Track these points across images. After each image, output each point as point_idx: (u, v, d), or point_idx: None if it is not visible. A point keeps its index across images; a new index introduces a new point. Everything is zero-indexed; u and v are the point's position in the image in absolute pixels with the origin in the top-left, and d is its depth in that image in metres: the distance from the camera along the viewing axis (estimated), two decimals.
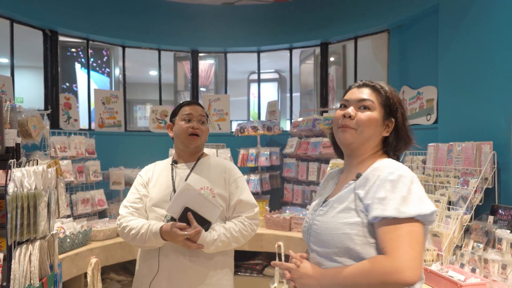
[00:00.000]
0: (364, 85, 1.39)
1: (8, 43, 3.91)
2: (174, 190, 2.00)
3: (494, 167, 2.58)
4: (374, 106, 1.33)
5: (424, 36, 3.67)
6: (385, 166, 1.26)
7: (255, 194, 4.51)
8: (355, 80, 4.58)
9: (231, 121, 5.22)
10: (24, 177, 1.65)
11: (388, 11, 3.99)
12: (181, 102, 2.18)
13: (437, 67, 3.30)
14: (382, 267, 1.13)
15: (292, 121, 4.67)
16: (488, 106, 2.71)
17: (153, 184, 2.08)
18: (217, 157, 2.32)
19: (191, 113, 2.06)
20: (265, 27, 4.97)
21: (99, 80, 7.28)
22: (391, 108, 1.35)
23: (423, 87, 3.60)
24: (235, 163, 4.63)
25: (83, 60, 6.93)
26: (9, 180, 1.63)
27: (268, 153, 4.47)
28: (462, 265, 2.32)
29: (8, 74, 3.85)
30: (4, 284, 1.63)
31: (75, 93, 6.65)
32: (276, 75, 9.09)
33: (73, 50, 6.88)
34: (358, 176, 1.30)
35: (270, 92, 9.08)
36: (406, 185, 1.19)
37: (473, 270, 2.22)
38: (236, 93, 8.48)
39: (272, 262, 1.46)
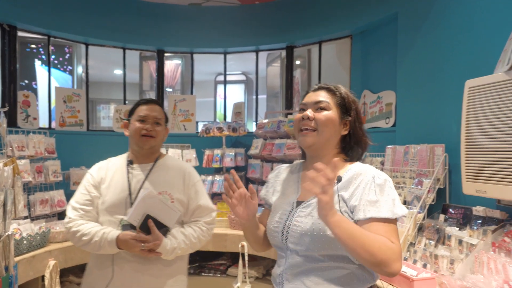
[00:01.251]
0: (320, 88, 1.47)
1: None
2: (130, 194, 1.91)
3: (446, 169, 2.73)
4: (330, 107, 1.41)
5: (384, 43, 3.83)
6: (367, 170, 1.35)
7: (219, 194, 4.54)
8: (320, 83, 4.70)
9: (197, 122, 5.22)
10: None
11: (351, 17, 4.13)
12: (138, 100, 2.10)
13: (396, 73, 3.45)
14: (392, 249, 1.22)
15: (258, 122, 4.73)
16: (441, 111, 2.87)
17: (107, 186, 1.95)
18: (175, 158, 2.23)
19: (147, 114, 1.97)
20: (232, 29, 5.01)
21: (60, 78, 7.06)
22: (347, 107, 1.43)
23: (383, 92, 3.74)
24: (200, 163, 4.63)
25: (43, 57, 6.71)
26: None
27: (233, 154, 4.50)
28: (415, 261, 2.44)
29: None
30: None
31: (35, 91, 6.43)
32: (243, 77, 9.14)
33: (33, 46, 6.65)
34: (338, 179, 1.34)
35: (236, 93, 9.11)
36: (392, 189, 1.32)
37: (425, 266, 2.35)
38: (202, 94, 8.46)
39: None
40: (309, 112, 1.40)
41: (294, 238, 1.36)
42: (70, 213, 1.91)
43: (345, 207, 1.32)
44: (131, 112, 2.05)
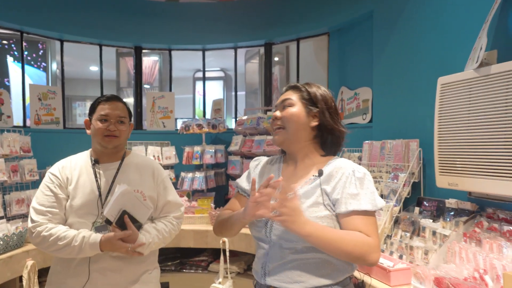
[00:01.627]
0: (288, 88, 1.57)
1: None
2: (100, 195, 1.88)
3: (420, 163, 2.82)
4: (294, 103, 1.49)
5: (360, 40, 3.91)
6: (347, 165, 1.43)
7: (200, 191, 4.55)
8: (298, 80, 4.76)
9: (176, 118, 5.20)
10: None
11: (328, 15, 4.19)
12: (98, 97, 2.00)
13: (372, 70, 3.53)
14: (367, 243, 1.30)
15: (237, 119, 4.75)
16: (416, 107, 2.96)
17: (74, 187, 1.88)
18: (140, 154, 2.18)
19: (108, 113, 1.90)
20: (210, 26, 5.00)
21: (34, 75, 6.90)
22: (313, 100, 1.49)
23: (360, 88, 3.83)
24: (180, 160, 4.63)
25: (15, 53, 6.54)
26: None
27: (213, 150, 4.52)
28: (391, 253, 2.52)
29: None
30: None
31: (7, 88, 6.27)
32: (221, 74, 9.15)
33: (5, 42, 6.48)
34: (320, 172, 1.42)
35: (215, 90, 9.12)
36: (371, 182, 1.40)
37: (401, 257, 2.44)
38: (181, 91, 8.41)
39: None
40: (277, 113, 1.51)
41: (279, 231, 1.40)
42: (35, 216, 1.80)
43: (328, 200, 1.38)
44: (92, 110, 1.97)
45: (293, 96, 1.51)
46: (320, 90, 1.53)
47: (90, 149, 2.03)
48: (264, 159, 1.68)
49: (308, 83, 1.56)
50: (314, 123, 1.48)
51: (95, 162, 1.95)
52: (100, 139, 1.91)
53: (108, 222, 1.79)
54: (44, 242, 1.76)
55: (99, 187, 1.89)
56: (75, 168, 1.93)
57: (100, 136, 1.90)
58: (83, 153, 2.04)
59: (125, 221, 1.77)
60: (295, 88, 1.55)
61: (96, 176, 1.92)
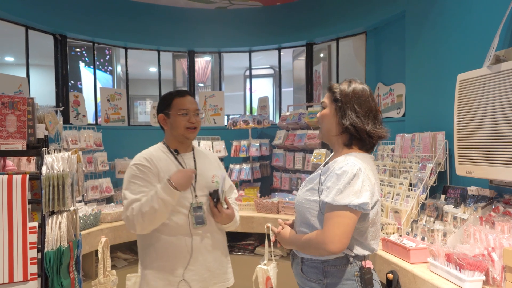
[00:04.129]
0: (327, 89, 1.78)
1: (23, 46, 4.34)
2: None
3: (446, 153, 3.00)
4: (326, 104, 1.73)
5: (395, 38, 4.09)
6: (340, 161, 1.57)
7: (247, 181, 4.96)
8: (337, 77, 5.00)
9: (226, 115, 5.64)
10: (54, 162, 2.09)
11: (365, 15, 4.40)
12: (168, 93, 2.14)
13: (405, 66, 3.72)
14: (317, 238, 1.55)
15: (281, 115, 5.09)
16: (443, 101, 3.13)
17: (165, 175, 1.98)
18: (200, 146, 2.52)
19: (188, 107, 2.06)
20: (256, 29, 5.39)
21: (102, 78, 7.67)
22: (343, 101, 1.66)
23: (394, 84, 4.02)
24: (229, 153, 5.07)
25: (86, 59, 7.33)
26: (43, 164, 2.07)
27: (258, 144, 4.89)
28: (415, 235, 2.75)
29: (17, 73, 4.28)
30: (39, 246, 2.07)
31: (80, 91, 7.05)
32: (271, 71, 9.44)
33: (77, 50, 7.27)
34: (325, 164, 1.69)
35: (265, 86, 9.43)
36: (345, 180, 1.50)
37: (423, 239, 2.66)
38: (232, 88, 8.84)
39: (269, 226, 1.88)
40: (317, 114, 1.79)
41: (295, 207, 1.76)
42: (131, 206, 1.91)
43: (321, 188, 1.61)
44: (166, 105, 2.09)
45: (327, 98, 1.73)
46: (351, 86, 1.67)
47: (161, 143, 2.14)
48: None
49: (347, 80, 1.73)
50: (346, 122, 1.64)
51: (176, 152, 2.10)
52: (183, 132, 2.06)
53: (213, 195, 2.05)
54: (138, 220, 1.86)
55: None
56: (160, 159, 2.03)
57: (183, 128, 2.05)
58: (156, 147, 2.12)
59: (225, 200, 2.10)
60: (329, 90, 1.75)
61: (181, 165, 2.07)
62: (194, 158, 2.15)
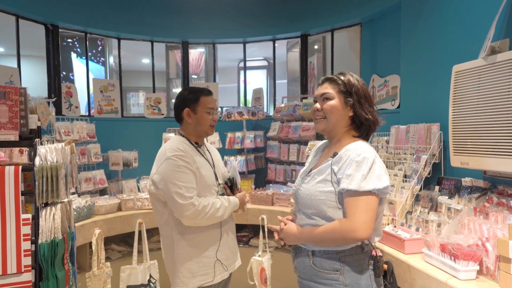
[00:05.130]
0: (325, 80, 1.77)
1: (14, 37, 4.26)
2: (214, 171, 2.31)
3: (441, 145, 3.01)
4: (333, 95, 1.71)
5: (390, 30, 4.08)
6: (355, 148, 1.58)
7: (241, 173, 4.95)
8: (332, 69, 4.99)
9: (220, 107, 5.61)
10: (47, 153, 2.06)
11: (360, 6, 4.39)
12: (196, 89, 2.28)
13: (400, 58, 3.71)
14: (343, 227, 1.53)
15: (275, 106, 5.08)
16: (437, 92, 3.14)
17: (198, 166, 2.17)
18: None
19: (214, 107, 2.27)
20: (250, 20, 5.35)
21: (94, 69, 7.60)
22: (349, 92, 1.69)
23: (389, 76, 4.02)
24: (223, 145, 5.06)
25: (78, 49, 7.24)
26: (36, 155, 2.04)
27: (253, 136, 4.89)
28: (410, 226, 2.77)
29: (7, 64, 4.20)
30: (33, 238, 2.05)
31: (72, 82, 6.98)
32: (265, 63, 9.43)
33: (69, 40, 7.18)
34: (334, 154, 1.68)
35: (259, 78, 9.42)
36: (367, 166, 1.53)
37: (417, 230, 2.68)
38: (226, 80, 8.81)
39: (269, 226, 1.91)
40: (317, 105, 1.75)
41: (300, 201, 1.74)
42: (187, 193, 2.07)
43: (335, 178, 1.62)
44: (194, 101, 2.25)
45: (331, 89, 1.70)
46: (353, 79, 1.71)
47: (179, 136, 2.30)
48: (320, 143, 1.98)
49: (342, 72, 1.74)
50: (350, 113, 1.70)
51: (198, 145, 2.32)
52: (207, 128, 2.28)
53: (230, 181, 2.41)
54: (202, 215, 2.09)
55: (212, 165, 2.32)
56: (187, 151, 2.17)
57: (207, 125, 2.27)
58: (178, 140, 2.25)
59: (236, 187, 2.43)
60: (332, 80, 1.73)
61: (204, 156, 2.29)
62: (208, 150, 2.40)
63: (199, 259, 2.20)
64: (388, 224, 2.91)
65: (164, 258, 2.32)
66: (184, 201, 2.04)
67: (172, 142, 2.20)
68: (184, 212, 2.05)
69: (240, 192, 2.42)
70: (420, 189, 3.00)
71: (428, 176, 3.03)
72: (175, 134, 2.37)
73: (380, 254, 1.65)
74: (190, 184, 2.08)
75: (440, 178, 2.96)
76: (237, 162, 4.79)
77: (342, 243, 1.57)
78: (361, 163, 1.54)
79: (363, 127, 1.70)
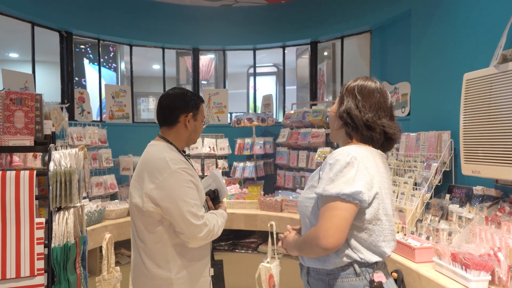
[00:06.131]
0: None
1: (29, 43, 4.35)
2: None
3: (452, 153, 2.99)
4: (335, 102, 1.72)
5: (400, 37, 4.09)
6: (336, 151, 1.47)
7: (250, 179, 4.96)
8: (342, 75, 5.00)
9: (229, 113, 5.64)
10: (61, 158, 2.10)
11: (370, 13, 4.40)
12: (193, 94, 2.02)
13: (410, 65, 3.71)
14: (310, 234, 1.46)
15: (285, 113, 5.09)
16: (448, 100, 3.13)
17: (196, 178, 1.97)
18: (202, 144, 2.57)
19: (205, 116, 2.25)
20: (260, 27, 5.39)
21: (106, 75, 7.69)
22: (343, 93, 1.62)
23: (399, 83, 4.01)
24: (233, 151, 5.08)
25: (91, 56, 7.35)
26: (50, 160, 2.08)
27: (262, 142, 4.90)
28: (420, 235, 2.75)
29: (22, 70, 4.27)
30: (46, 242, 2.09)
31: (84, 87, 7.07)
32: (274, 69, 9.46)
33: (82, 46, 7.29)
34: (324, 159, 1.66)
35: (268, 84, 9.45)
36: (337, 169, 1.39)
37: (428, 238, 2.66)
38: (236, 86, 8.85)
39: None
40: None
41: (298, 208, 1.74)
42: (199, 212, 1.84)
43: (317, 183, 1.55)
44: (196, 107, 2.00)
45: (337, 98, 1.70)
46: (357, 81, 1.61)
47: (167, 143, 1.98)
48: None
49: (356, 78, 1.66)
50: (339, 114, 1.60)
51: (187, 155, 2.09)
52: (196, 138, 2.07)
53: (213, 193, 2.16)
54: (211, 235, 1.88)
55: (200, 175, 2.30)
56: (185, 161, 1.93)
57: (199, 135, 2.09)
58: (168, 148, 1.95)
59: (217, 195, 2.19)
60: (342, 88, 1.70)
61: (192, 166, 1.98)
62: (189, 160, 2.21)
63: (196, 278, 1.94)
64: (398, 232, 2.90)
65: (143, 284, 1.89)
66: (198, 222, 1.80)
67: (166, 150, 1.90)
68: (197, 233, 1.80)
69: (222, 204, 2.18)
70: (431, 197, 2.98)
71: (439, 184, 3.01)
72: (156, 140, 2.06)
73: (381, 279, 1.40)
74: (199, 202, 1.86)
75: (451, 186, 2.94)
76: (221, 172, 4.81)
77: (312, 253, 1.46)
78: (333, 165, 1.41)
79: (347, 124, 1.56)
